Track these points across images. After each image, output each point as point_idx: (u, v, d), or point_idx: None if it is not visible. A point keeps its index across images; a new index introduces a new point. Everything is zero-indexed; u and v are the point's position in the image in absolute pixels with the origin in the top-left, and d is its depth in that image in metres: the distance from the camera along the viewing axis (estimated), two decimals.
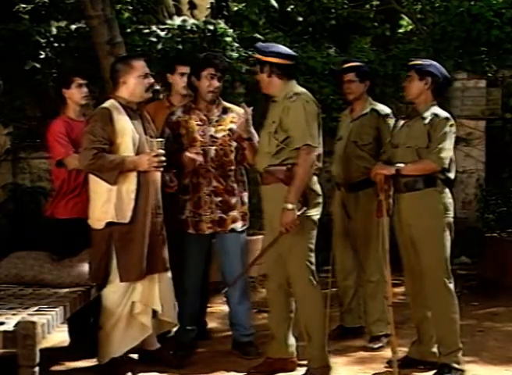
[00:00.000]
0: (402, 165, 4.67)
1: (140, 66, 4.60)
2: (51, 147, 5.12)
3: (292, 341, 4.83)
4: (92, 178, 4.58)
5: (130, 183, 4.50)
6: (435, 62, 4.87)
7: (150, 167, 4.48)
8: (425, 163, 4.66)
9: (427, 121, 4.70)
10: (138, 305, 4.61)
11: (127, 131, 4.52)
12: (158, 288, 4.65)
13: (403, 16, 10.56)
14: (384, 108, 5.53)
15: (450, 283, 4.69)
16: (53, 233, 5.00)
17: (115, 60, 4.85)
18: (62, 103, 5.22)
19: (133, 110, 4.62)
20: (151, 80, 4.67)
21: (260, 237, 6.79)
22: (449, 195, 4.75)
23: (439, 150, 4.62)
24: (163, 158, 4.53)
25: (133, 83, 4.56)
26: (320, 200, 4.68)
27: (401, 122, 4.90)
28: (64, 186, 5.06)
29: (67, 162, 5.01)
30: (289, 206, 4.45)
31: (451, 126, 4.71)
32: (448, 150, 4.65)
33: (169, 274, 4.75)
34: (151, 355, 4.86)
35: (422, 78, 4.75)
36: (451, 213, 4.73)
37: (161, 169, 4.58)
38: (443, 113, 4.76)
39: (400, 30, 10.67)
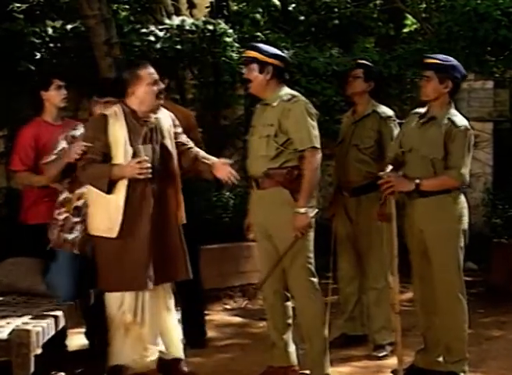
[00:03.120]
0: (418, 180, 4.52)
1: (147, 74, 4.52)
2: (13, 154, 5.11)
3: (293, 348, 4.77)
4: (89, 188, 4.53)
5: (119, 195, 4.43)
6: (453, 60, 4.67)
7: (133, 174, 4.41)
8: (445, 179, 4.55)
9: (444, 129, 4.54)
10: (128, 315, 4.55)
11: (120, 143, 4.46)
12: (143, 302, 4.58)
13: (408, 15, 10.49)
14: (386, 111, 5.46)
15: (462, 291, 4.62)
16: (25, 239, 4.90)
17: (121, 71, 4.73)
18: (38, 106, 5.12)
19: (138, 119, 4.53)
20: (161, 85, 4.61)
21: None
22: (464, 200, 4.65)
23: (459, 166, 4.51)
24: (148, 165, 4.44)
25: (142, 92, 4.50)
26: (314, 202, 4.64)
27: (413, 118, 4.71)
28: (31, 195, 5.00)
29: (17, 177, 5.05)
30: (302, 210, 4.44)
31: (470, 135, 4.58)
32: (468, 163, 4.56)
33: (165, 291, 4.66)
34: (167, 364, 4.75)
35: (443, 81, 4.57)
36: (466, 219, 4.64)
37: (148, 175, 4.45)
38: (461, 121, 4.60)
39: (405, 30, 10.66)
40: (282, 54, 4.72)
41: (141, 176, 4.43)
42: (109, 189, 4.40)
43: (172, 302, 4.70)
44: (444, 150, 4.52)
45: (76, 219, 4.55)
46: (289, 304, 4.73)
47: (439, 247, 4.55)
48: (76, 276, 4.49)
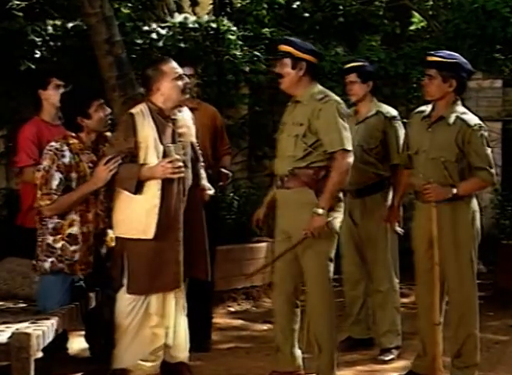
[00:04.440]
0: (455, 190, 4.42)
1: (170, 69, 4.48)
2: (18, 152, 5.05)
3: (298, 353, 4.71)
4: (118, 190, 4.50)
5: (154, 195, 4.40)
6: (458, 57, 4.56)
7: (165, 174, 4.37)
8: (478, 182, 4.50)
9: (454, 129, 4.44)
10: (154, 317, 4.51)
11: (150, 142, 4.43)
12: (171, 303, 4.56)
13: (415, 12, 10.43)
14: (390, 110, 5.39)
15: (475, 298, 4.57)
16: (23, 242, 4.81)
17: (144, 66, 4.73)
18: (37, 105, 5.10)
19: (165, 117, 4.50)
20: (186, 79, 4.58)
21: (263, 244, 6.70)
22: (476, 204, 4.58)
23: (488, 167, 4.44)
24: (180, 164, 4.41)
25: (168, 87, 4.45)
26: (342, 207, 4.57)
27: (417, 118, 4.62)
28: (29, 199, 4.89)
29: (24, 172, 4.99)
30: (320, 211, 4.34)
31: (484, 131, 4.48)
32: (492, 161, 4.49)
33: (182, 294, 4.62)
34: (171, 368, 4.70)
35: (446, 80, 4.45)
36: (478, 223, 4.58)
37: (181, 175, 4.44)
38: (473, 119, 4.50)
39: (412, 28, 10.57)
40: (316, 50, 4.61)
41: (174, 176, 4.41)
42: (137, 190, 4.37)
43: (185, 304, 4.65)
44: (459, 152, 4.42)
45: (74, 248, 4.39)
46: (298, 310, 4.67)
47: (453, 254, 4.47)
48: (67, 299, 4.38)
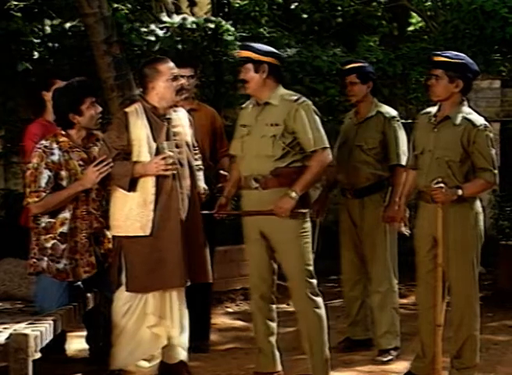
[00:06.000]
0: (461, 191, 4.40)
1: (166, 69, 4.51)
2: (27, 149, 5.02)
3: (278, 353, 4.71)
4: (114, 188, 4.51)
5: (148, 192, 4.42)
6: (464, 57, 4.54)
7: (158, 171, 4.40)
8: (483, 184, 4.46)
9: (460, 130, 4.42)
10: (152, 317, 4.49)
11: (143, 140, 4.45)
12: (170, 303, 4.53)
13: (413, 13, 10.45)
14: (390, 111, 5.38)
15: (476, 300, 4.55)
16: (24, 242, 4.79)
17: (141, 65, 4.75)
18: (40, 106, 5.13)
19: (160, 116, 4.52)
20: (181, 81, 4.60)
21: None
22: (479, 205, 4.55)
23: (492, 168, 4.43)
24: (172, 161, 4.44)
25: (162, 87, 4.48)
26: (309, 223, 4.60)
27: (423, 119, 4.60)
28: None
29: None
30: (293, 195, 4.38)
31: (490, 132, 4.47)
32: (496, 163, 4.48)
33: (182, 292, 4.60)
34: (170, 368, 4.68)
35: (453, 80, 4.43)
36: (481, 224, 4.54)
37: (174, 171, 4.46)
38: (479, 119, 4.48)
39: (410, 28, 10.58)
40: (277, 51, 4.63)
41: (167, 173, 4.43)
42: (131, 187, 4.39)
43: (184, 304, 4.63)
44: (464, 152, 4.41)
45: (63, 246, 4.41)
46: (274, 306, 4.68)
47: (456, 255, 4.45)
48: (65, 299, 4.39)
